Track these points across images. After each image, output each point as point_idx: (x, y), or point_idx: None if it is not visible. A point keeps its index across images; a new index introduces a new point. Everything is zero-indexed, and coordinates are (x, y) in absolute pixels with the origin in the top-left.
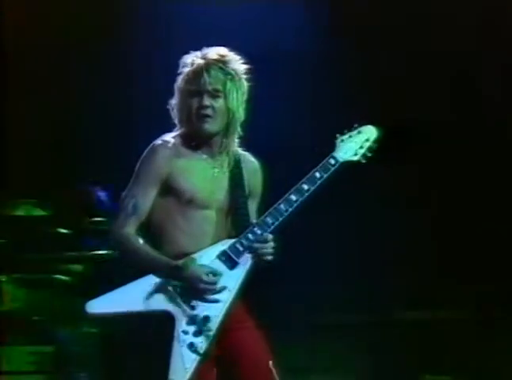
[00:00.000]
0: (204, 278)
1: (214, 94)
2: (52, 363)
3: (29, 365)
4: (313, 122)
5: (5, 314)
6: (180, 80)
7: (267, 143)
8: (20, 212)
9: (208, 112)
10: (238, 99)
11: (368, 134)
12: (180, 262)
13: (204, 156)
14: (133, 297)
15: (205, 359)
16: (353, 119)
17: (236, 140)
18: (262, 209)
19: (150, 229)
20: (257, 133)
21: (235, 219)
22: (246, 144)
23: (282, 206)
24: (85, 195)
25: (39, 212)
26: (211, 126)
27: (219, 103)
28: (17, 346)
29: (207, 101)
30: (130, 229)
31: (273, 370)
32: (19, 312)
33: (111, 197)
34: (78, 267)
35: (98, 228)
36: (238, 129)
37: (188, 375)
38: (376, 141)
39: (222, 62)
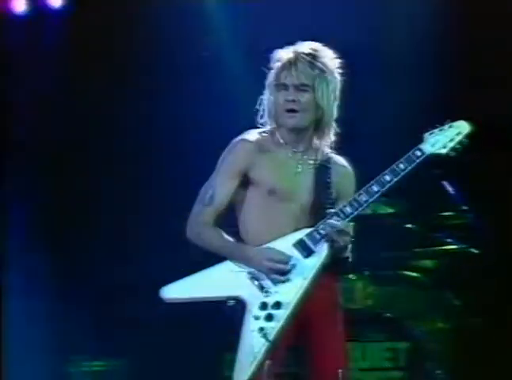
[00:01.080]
0: (273, 256)
1: (301, 88)
2: (408, 360)
3: (385, 361)
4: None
5: (358, 311)
6: (270, 75)
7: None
8: (366, 210)
9: (294, 106)
10: (328, 95)
11: (461, 128)
12: (254, 248)
13: (290, 152)
14: (208, 283)
15: (274, 346)
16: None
17: (329, 139)
18: None
19: (236, 221)
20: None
21: (319, 217)
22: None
23: (363, 197)
24: None
25: (386, 209)
26: (297, 121)
27: (306, 98)
28: (372, 342)
29: (293, 95)
30: (207, 218)
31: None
32: (372, 309)
33: (459, 191)
34: (428, 263)
35: (449, 223)
36: (331, 127)
37: (256, 360)
38: (468, 136)
39: (312, 56)
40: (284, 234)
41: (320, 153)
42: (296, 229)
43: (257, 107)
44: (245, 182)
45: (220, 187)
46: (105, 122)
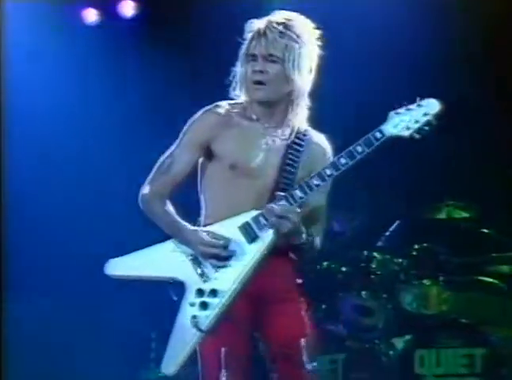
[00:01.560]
0: (207, 240)
1: (269, 59)
2: (484, 366)
3: (461, 367)
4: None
5: (433, 317)
6: (242, 47)
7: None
8: (441, 215)
9: (261, 77)
10: (299, 67)
11: (429, 107)
12: (193, 227)
13: (261, 127)
14: (151, 262)
15: (207, 334)
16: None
17: (303, 115)
18: None
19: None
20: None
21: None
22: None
23: (314, 180)
24: None
25: (461, 214)
26: (264, 93)
27: (275, 69)
28: (447, 348)
29: (260, 66)
30: (160, 187)
31: (303, 349)
32: (447, 314)
33: None
34: (504, 269)
35: None
36: (304, 102)
37: (186, 350)
38: (437, 115)
39: (284, 26)
40: (243, 212)
41: (294, 129)
42: (258, 208)
43: (231, 79)
44: (208, 155)
45: (179, 157)
46: None
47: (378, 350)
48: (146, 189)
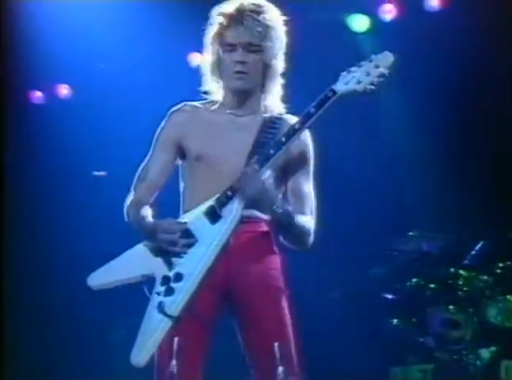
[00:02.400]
0: (165, 227)
1: (250, 49)
2: None
3: None
4: None
5: None
6: (211, 33)
7: None
8: None
9: (242, 67)
10: (276, 53)
11: (381, 60)
12: (153, 221)
13: (231, 116)
14: (125, 264)
15: (175, 321)
16: None
17: (278, 99)
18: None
19: None
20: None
21: None
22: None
23: (271, 150)
24: None
25: None
26: (245, 82)
27: (255, 58)
28: None
29: (241, 57)
30: (139, 195)
31: (277, 354)
32: None
33: None
34: None
35: None
36: (278, 88)
37: (153, 338)
38: (390, 66)
39: (257, 13)
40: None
41: (268, 116)
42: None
43: (201, 73)
44: (182, 155)
45: (153, 161)
46: None
47: (465, 360)
48: (127, 200)
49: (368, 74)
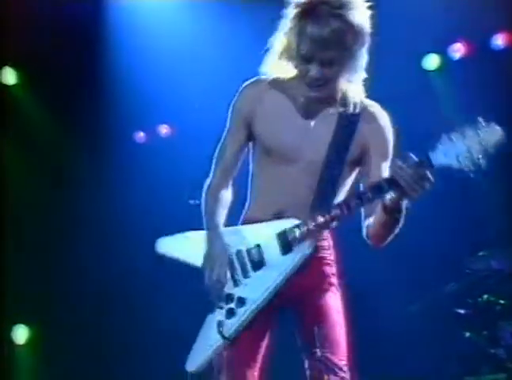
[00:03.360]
0: (215, 269)
1: (327, 63)
2: None
3: None
4: None
5: None
6: (290, 22)
7: None
8: None
9: (319, 82)
10: (359, 62)
11: (487, 135)
12: (214, 232)
13: (303, 102)
14: (196, 250)
15: (230, 342)
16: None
17: (360, 82)
18: None
19: None
20: None
21: (327, 180)
22: None
23: (369, 194)
24: None
25: None
26: (322, 93)
27: (335, 71)
28: None
29: (318, 73)
30: (216, 178)
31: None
32: None
33: None
34: None
35: None
36: (360, 73)
37: (208, 353)
38: (496, 144)
39: (340, 19)
40: (283, 204)
41: (348, 100)
42: (301, 198)
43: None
44: (251, 134)
45: (228, 140)
46: None
47: None
48: (206, 182)
49: (469, 151)
